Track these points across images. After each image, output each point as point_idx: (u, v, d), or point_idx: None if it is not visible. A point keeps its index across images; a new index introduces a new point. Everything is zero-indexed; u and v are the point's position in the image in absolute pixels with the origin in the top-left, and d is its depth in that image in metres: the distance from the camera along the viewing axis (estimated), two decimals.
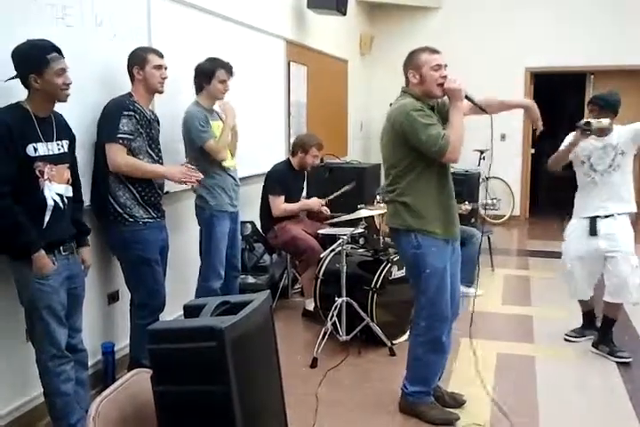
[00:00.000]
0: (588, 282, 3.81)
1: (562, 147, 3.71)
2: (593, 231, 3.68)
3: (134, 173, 3.02)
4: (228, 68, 3.66)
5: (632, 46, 7.72)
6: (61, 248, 2.53)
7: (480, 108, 2.86)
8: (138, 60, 3.11)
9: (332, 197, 4.70)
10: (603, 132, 3.46)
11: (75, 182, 2.63)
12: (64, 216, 2.52)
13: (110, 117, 2.98)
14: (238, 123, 3.87)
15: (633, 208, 3.73)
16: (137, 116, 3.01)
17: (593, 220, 3.69)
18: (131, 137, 2.98)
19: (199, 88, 3.68)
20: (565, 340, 3.95)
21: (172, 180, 3.18)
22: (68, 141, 2.58)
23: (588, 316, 3.98)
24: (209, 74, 3.62)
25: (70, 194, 2.56)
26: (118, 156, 2.95)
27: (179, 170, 3.17)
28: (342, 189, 4.70)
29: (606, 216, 3.66)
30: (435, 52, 2.81)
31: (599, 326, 3.82)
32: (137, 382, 1.76)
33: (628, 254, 3.62)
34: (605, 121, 3.44)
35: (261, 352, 1.85)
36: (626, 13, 7.73)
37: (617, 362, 3.61)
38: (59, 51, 2.43)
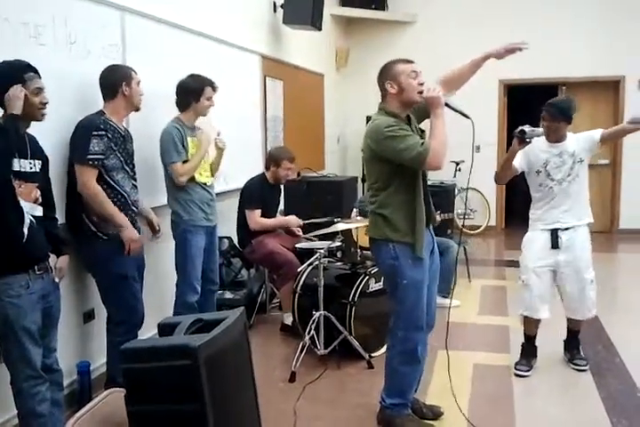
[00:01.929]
0: (541, 298, 3.59)
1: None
2: (555, 244, 3.54)
3: (92, 204, 2.97)
4: (214, 85, 3.75)
5: (601, 58, 7.91)
6: (36, 267, 2.50)
7: (463, 115, 2.83)
8: (125, 76, 3.12)
9: (310, 221, 4.71)
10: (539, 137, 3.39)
11: (49, 202, 2.62)
12: (35, 235, 2.50)
13: (81, 138, 2.97)
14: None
15: (591, 219, 3.64)
16: (109, 135, 3.01)
17: (554, 232, 3.56)
18: (102, 157, 2.97)
19: (186, 105, 3.70)
20: (516, 375, 3.63)
21: (124, 238, 3.07)
22: (40, 162, 2.58)
23: (532, 342, 3.76)
24: (198, 92, 3.67)
25: (37, 213, 2.53)
26: (88, 179, 2.94)
27: (133, 237, 3.09)
28: (323, 219, 4.71)
29: (566, 228, 3.55)
30: (409, 61, 2.86)
31: (566, 340, 3.79)
32: (111, 402, 1.76)
33: (583, 268, 3.56)
34: (539, 130, 3.32)
35: (236, 369, 1.86)
36: (595, 27, 7.91)
37: (575, 369, 3.65)
38: (35, 71, 2.46)
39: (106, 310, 3.24)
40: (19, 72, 2.40)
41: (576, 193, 3.56)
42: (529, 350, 3.76)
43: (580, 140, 3.57)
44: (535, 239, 3.64)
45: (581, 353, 3.76)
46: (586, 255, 3.59)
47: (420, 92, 2.77)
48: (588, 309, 3.62)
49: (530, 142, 3.31)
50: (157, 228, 3.61)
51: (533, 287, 3.60)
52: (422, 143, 2.69)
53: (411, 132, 2.77)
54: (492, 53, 3.01)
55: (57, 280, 2.67)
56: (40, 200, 2.56)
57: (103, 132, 2.98)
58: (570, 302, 3.64)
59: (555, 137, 3.56)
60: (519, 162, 3.60)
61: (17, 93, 2.36)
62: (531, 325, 3.72)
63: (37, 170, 2.55)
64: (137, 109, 3.23)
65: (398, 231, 2.85)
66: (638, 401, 3.28)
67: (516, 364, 3.71)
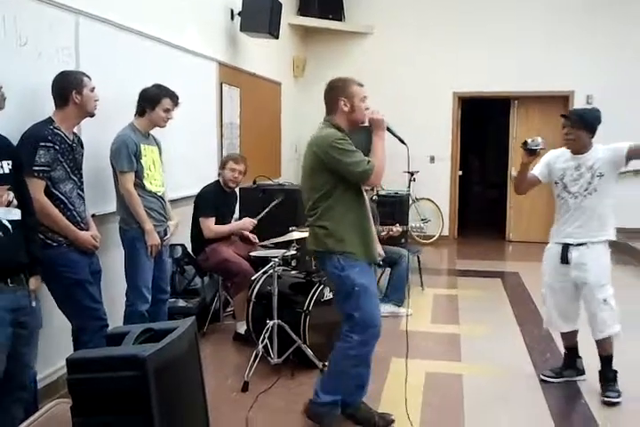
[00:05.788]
0: (559, 312, 3.54)
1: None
2: (564, 259, 3.45)
3: (40, 218, 2.83)
4: (175, 98, 3.69)
5: (552, 74, 8.14)
6: (8, 280, 2.37)
7: (400, 140, 2.99)
8: (76, 83, 3.03)
9: (262, 214, 4.68)
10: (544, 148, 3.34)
11: (25, 207, 2.48)
12: (9, 242, 2.35)
13: (27, 149, 2.84)
14: (167, 146, 3.88)
15: (610, 236, 3.42)
16: (56, 146, 2.91)
17: (565, 247, 3.45)
18: (48, 168, 2.88)
19: (141, 112, 3.64)
20: (541, 380, 3.65)
21: (82, 245, 3.08)
22: (10, 163, 2.43)
23: (570, 354, 3.68)
24: (154, 101, 3.61)
25: (15, 217, 2.39)
26: (34, 192, 2.79)
27: (90, 240, 3.11)
28: (270, 205, 4.68)
29: (579, 244, 3.41)
30: (361, 85, 3.03)
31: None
32: (57, 413, 1.71)
33: (595, 287, 3.37)
34: (538, 139, 3.26)
35: (186, 380, 1.83)
36: (546, 43, 8.15)
37: (603, 401, 3.37)
38: None
39: (67, 318, 3.15)
40: None
41: (592, 209, 3.37)
42: (566, 360, 3.70)
43: (605, 153, 3.36)
44: (550, 252, 3.56)
45: (616, 385, 3.44)
46: (598, 273, 3.39)
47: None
48: (600, 330, 3.41)
49: (537, 152, 3.29)
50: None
51: (549, 302, 3.58)
52: (368, 161, 2.83)
53: (356, 149, 2.89)
54: None
55: (33, 305, 2.52)
56: (15, 203, 2.42)
57: (50, 144, 2.88)
58: (589, 321, 3.48)
59: (574, 147, 3.41)
60: (540, 171, 3.54)
61: None
62: (563, 336, 3.68)
63: (7, 171, 2.41)
64: (91, 115, 3.16)
65: (342, 241, 2.91)
66: (583, 408, 3.36)
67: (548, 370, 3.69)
